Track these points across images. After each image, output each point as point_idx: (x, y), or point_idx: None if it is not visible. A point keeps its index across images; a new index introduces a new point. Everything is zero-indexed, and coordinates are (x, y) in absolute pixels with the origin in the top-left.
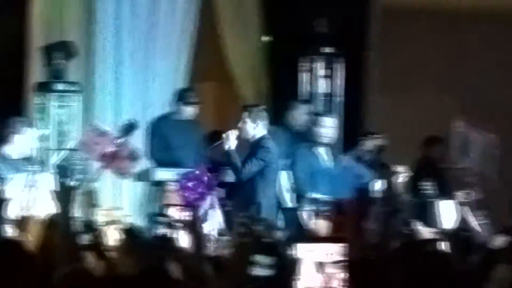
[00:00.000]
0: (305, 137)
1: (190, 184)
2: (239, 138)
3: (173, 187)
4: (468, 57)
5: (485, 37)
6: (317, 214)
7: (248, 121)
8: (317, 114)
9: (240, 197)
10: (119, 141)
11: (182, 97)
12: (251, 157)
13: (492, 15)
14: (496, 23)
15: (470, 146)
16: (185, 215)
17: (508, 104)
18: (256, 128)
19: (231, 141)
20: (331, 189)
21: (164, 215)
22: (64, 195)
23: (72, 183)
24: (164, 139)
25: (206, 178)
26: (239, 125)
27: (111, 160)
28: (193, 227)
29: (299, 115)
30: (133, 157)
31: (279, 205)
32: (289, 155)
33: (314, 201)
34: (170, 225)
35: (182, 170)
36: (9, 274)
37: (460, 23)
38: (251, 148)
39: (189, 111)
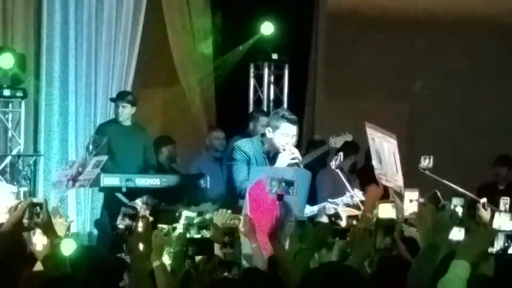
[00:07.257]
0: None
1: None
2: None
3: None
4: (417, 65)
5: (433, 46)
6: None
7: None
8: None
9: None
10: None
11: (117, 98)
12: None
13: (440, 23)
14: (444, 31)
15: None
16: None
17: (457, 113)
18: None
19: None
20: None
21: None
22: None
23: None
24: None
25: None
26: None
27: (76, 179)
28: None
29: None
30: (97, 165)
31: None
32: None
33: None
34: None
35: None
36: None
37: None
38: None
39: (125, 113)
